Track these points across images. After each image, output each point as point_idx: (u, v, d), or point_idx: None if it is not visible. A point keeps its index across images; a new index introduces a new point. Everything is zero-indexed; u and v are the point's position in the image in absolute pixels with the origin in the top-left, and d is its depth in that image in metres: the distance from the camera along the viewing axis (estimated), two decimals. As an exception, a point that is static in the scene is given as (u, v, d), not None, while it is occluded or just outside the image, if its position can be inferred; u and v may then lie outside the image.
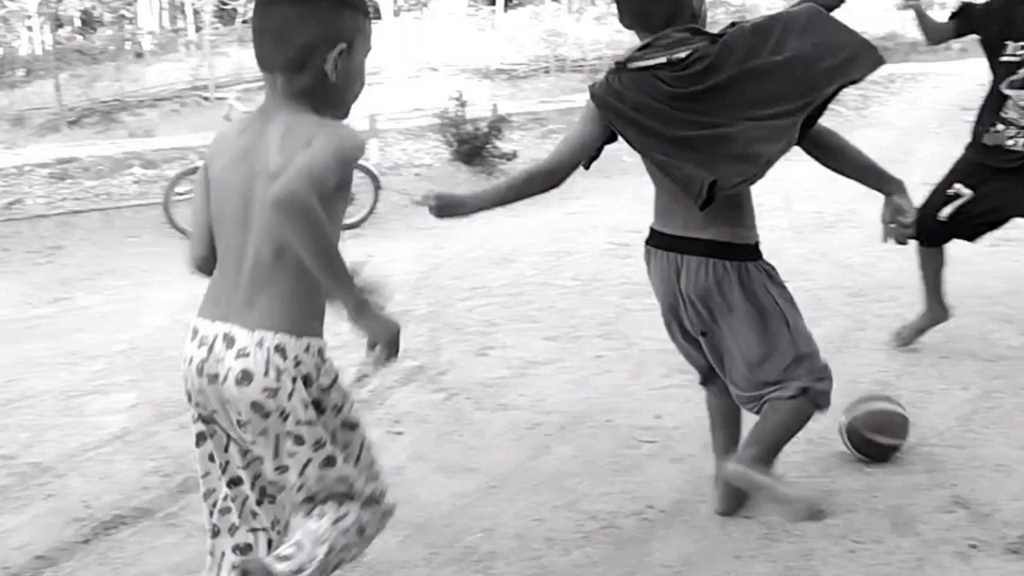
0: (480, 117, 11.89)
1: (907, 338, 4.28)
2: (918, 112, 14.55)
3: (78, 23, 26.87)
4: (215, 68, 17.81)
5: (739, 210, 2.66)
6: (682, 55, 2.55)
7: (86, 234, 8.71)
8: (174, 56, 20.71)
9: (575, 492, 3.10)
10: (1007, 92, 3.57)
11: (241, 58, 18.61)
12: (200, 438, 2.06)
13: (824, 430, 3.44)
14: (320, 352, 2.01)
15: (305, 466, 1.96)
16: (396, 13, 29.57)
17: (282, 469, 1.97)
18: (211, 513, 2.11)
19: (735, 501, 2.89)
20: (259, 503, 2.08)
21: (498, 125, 11.69)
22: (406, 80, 19.91)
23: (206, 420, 2.03)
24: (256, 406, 1.90)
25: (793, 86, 2.45)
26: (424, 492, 3.16)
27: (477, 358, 4.64)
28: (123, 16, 27.18)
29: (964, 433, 3.35)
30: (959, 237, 4.01)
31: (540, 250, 7.44)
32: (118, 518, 3.13)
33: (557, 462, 3.35)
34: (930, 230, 3.86)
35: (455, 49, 21.30)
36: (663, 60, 2.57)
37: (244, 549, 2.09)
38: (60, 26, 25.21)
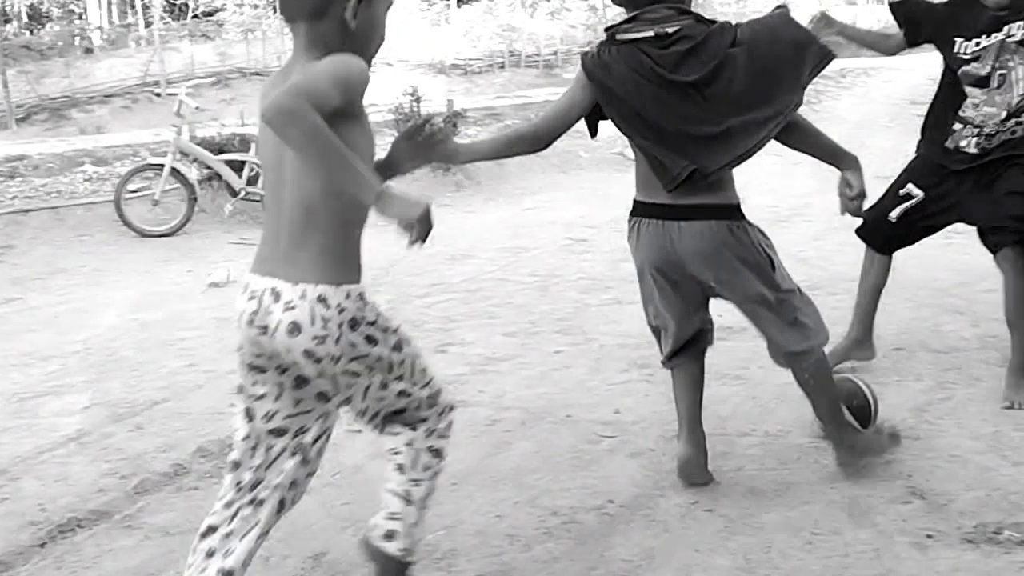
0: (435, 113, 11.86)
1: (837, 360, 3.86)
2: (869, 106, 14.72)
3: (25, 18, 26.44)
4: (166, 64, 17.60)
5: (726, 176, 2.83)
6: (669, 30, 2.71)
7: (37, 233, 8.57)
8: (124, 52, 20.43)
9: (535, 488, 3.10)
10: (965, 90, 3.56)
11: (193, 53, 18.44)
12: (241, 388, 2.19)
13: (781, 423, 3.49)
14: (360, 296, 2.12)
15: (366, 392, 2.17)
16: (350, 8, 29.30)
17: (345, 401, 2.17)
18: (237, 465, 2.20)
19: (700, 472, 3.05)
20: (293, 454, 2.18)
21: (454, 120, 11.66)
22: (361, 75, 19.80)
23: (258, 369, 2.13)
24: (308, 353, 2.02)
25: (770, 90, 2.67)
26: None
27: (436, 355, 4.62)
28: (71, 11, 26.78)
29: (919, 424, 3.39)
30: (904, 245, 3.90)
31: (498, 246, 7.44)
32: (74, 521, 3.08)
33: (517, 458, 3.36)
34: (878, 230, 3.83)
35: (409, 44, 21.22)
36: (651, 34, 2.73)
37: (257, 504, 2.16)
38: (8, 21, 24.79)
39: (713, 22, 2.79)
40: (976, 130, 3.52)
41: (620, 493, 3.02)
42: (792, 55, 2.70)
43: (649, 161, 2.80)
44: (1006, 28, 3.45)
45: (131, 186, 8.85)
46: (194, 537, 2.16)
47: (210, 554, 2.12)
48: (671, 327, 3.00)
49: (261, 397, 2.15)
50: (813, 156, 2.90)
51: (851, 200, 2.92)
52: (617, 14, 2.82)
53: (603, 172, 11.41)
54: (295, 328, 2.01)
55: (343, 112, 1.97)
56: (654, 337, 3.14)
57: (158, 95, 16.82)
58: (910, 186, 3.73)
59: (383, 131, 12.15)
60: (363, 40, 2.16)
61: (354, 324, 2.08)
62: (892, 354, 4.16)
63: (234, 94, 17.63)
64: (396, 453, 2.36)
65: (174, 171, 8.82)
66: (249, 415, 2.17)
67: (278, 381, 2.13)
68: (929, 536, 2.62)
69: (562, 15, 24.13)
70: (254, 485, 2.17)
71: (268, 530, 2.17)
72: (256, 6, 26.90)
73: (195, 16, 24.95)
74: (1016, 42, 3.43)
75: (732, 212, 2.84)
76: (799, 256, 6.21)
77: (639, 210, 2.92)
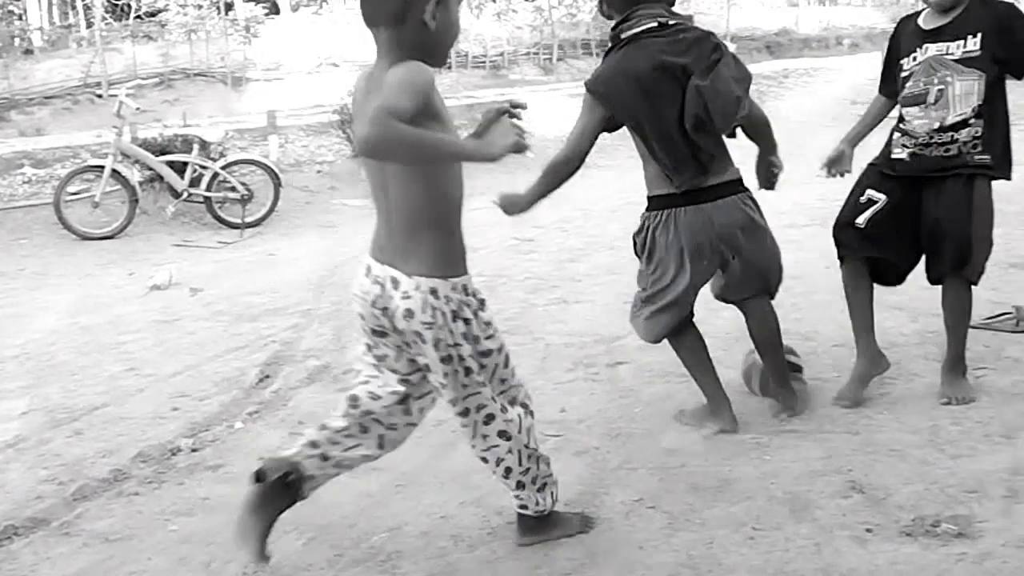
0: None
1: (853, 395, 3.64)
2: (811, 107, 14.92)
3: (-38, 18, 25.89)
4: (108, 65, 17.32)
5: (727, 154, 3.33)
6: (670, 21, 3.19)
7: (-26, 236, 8.41)
8: (65, 53, 20.04)
9: (480, 489, 3.09)
10: (903, 110, 3.55)
11: (135, 53, 18.19)
12: (368, 348, 2.57)
13: (724, 419, 3.51)
14: (464, 288, 2.45)
15: (455, 380, 2.46)
16: (295, 8, 29.19)
17: (442, 385, 2.49)
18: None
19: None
20: (400, 402, 2.59)
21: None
22: (306, 76, 19.66)
23: (380, 334, 2.51)
24: (417, 334, 2.40)
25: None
26: (328, 493, 3.10)
27: (382, 356, 4.61)
28: (11, 12, 26.26)
29: (859, 419, 3.44)
30: (882, 251, 3.70)
31: (444, 246, 7.42)
32: (11, 528, 3.03)
33: (463, 459, 3.34)
34: (849, 239, 3.69)
35: (356, 44, 21.10)
36: (654, 24, 3.18)
37: (363, 430, 2.61)
38: (-57, 21, 24.27)
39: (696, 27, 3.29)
40: (911, 139, 3.51)
41: (565, 492, 3.01)
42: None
43: (659, 157, 3.21)
44: (937, 47, 3.44)
45: (71, 188, 8.72)
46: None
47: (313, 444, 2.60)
48: (684, 304, 3.36)
49: (384, 357, 2.55)
50: (753, 139, 3.42)
51: (773, 177, 3.45)
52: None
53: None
54: (409, 314, 2.37)
55: (420, 113, 2.18)
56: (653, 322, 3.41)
57: (100, 96, 16.54)
58: (870, 192, 3.64)
59: (328, 131, 12.10)
60: (441, 38, 2.38)
61: (455, 316, 2.41)
62: (832, 351, 4.21)
63: (177, 95, 17.39)
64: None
65: (115, 173, 8.70)
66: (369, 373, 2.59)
67: (397, 344, 2.50)
68: (868, 530, 2.66)
69: (509, 16, 24.11)
70: (365, 413, 2.58)
71: (359, 459, 2.64)
72: (200, 7, 26.58)
73: (137, 17, 24.56)
74: (955, 60, 3.41)
75: (743, 184, 3.37)
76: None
77: (664, 202, 3.29)
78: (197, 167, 9.19)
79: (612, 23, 3.29)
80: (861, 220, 3.65)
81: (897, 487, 2.88)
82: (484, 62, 22.13)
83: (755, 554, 2.59)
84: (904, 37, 3.60)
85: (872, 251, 3.68)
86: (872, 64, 18.19)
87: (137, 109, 9.36)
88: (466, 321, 2.44)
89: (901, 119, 3.57)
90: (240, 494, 2.58)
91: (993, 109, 3.42)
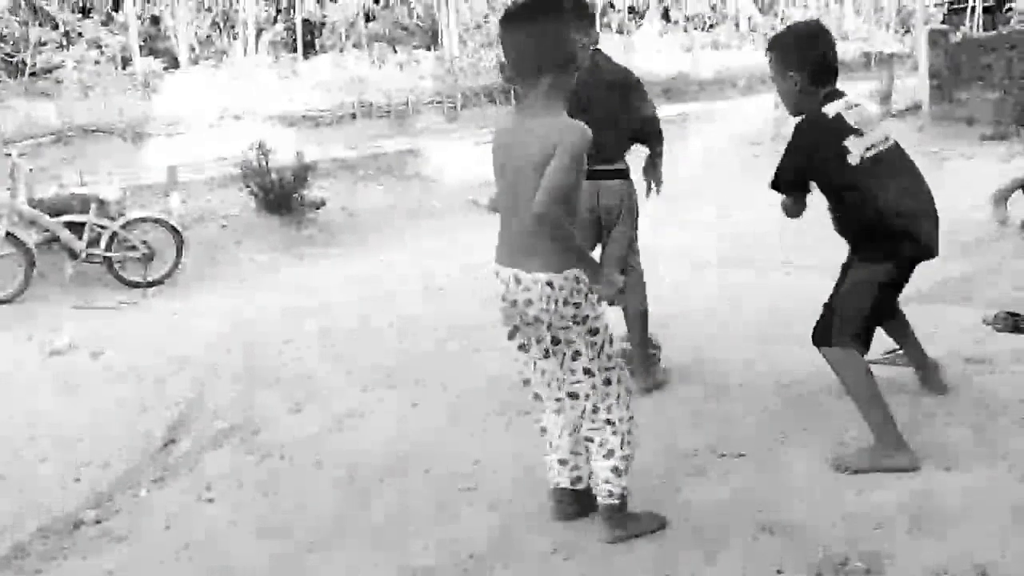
0: (285, 166, 11.71)
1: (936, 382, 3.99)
2: (711, 149, 15.25)
3: None
4: (1, 123, 16.92)
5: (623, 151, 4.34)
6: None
7: None
8: (-44, 110, 19.56)
9: (395, 545, 3.06)
10: None
11: (31, 111, 17.80)
12: (511, 335, 3.01)
13: (640, 461, 3.52)
14: (576, 278, 2.83)
15: (563, 359, 2.92)
16: (194, 61, 28.90)
17: (558, 363, 2.93)
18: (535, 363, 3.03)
19: None
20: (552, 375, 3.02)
21: (303, 173, 11.53)
22: (208, 129, 19.46)
23: (516, 327, 2.96)
24: (536, 319, 2.86)
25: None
26: (240, 559, 3.05)
27: (292, 414, 4.54)
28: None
29: (766, 457, 3.49)
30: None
31: (354, 297, 7.37)
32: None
33: (377, 516, 3.31)
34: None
35: (257, 96, 20.98)
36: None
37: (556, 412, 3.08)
38: None
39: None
40: None
41: (480, 544, 3.01)
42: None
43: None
44: None
45: (-35, 248, 8.45)
46: None
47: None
48: None
49: (523, 346, 3.01)
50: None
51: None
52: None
53: (457, 219, 11.47)
54: (528, 303, 2.83)
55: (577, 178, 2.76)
56: None
57: (-8, 155, 16.13)
58: None
59: (228, 186, 11.96)
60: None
61: (566, 301, 2.82)
62: (740, 388, 4.28)
63: (75, 152, 17.05)
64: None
65: (9, 236, 8.45)
66: (523, 348, 3.02)
67: (527, 331, 2.95)
68: (779, 572, 2.69)
69: (411, 66, 24.24)
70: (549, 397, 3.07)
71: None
72: (97, 62, 26.18)
73: (32, 74, 24.09)
74: None
75: (626, 173, 4.38)
76: (653, 295, 6.36)
77: None
78: (96, 227, 8.98)
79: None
80: None
81: (806, 524, 2.93)
82: (388, 111, 22.18)
83: (671, 598, 2.60)
84: None
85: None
86: (765, 105, 18.73)
87: (30, 170, 9.14)
88: (576, 305, 2.84)
89: None
90: (146, 565, 2.51)
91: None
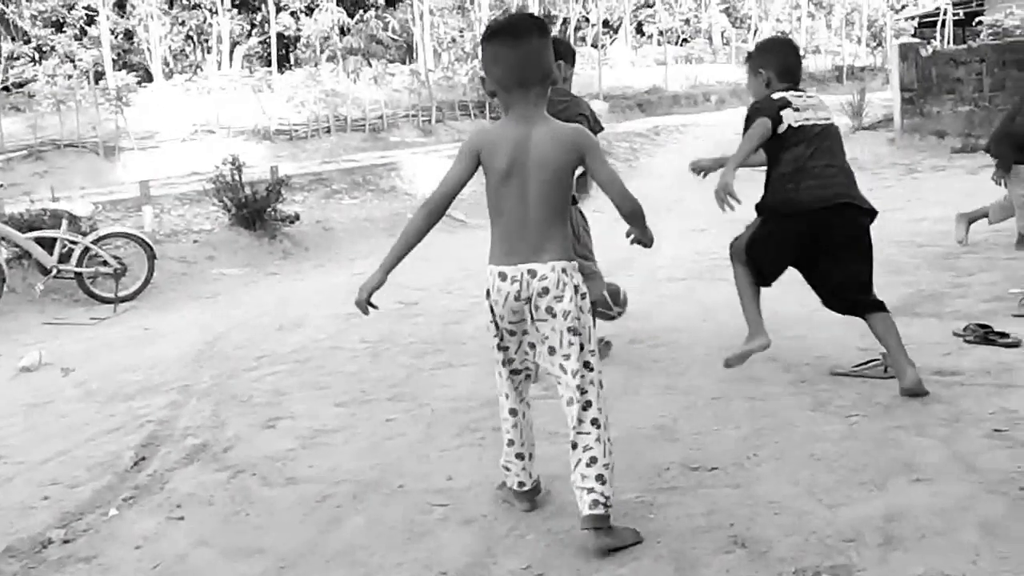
0: (259, 180, 11.69)
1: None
2: (684, 161, 15.33)
3: None
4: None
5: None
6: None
7: None
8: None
9: (367, 565, 3.04)
10: None
11: (2, 126, 17.69)
12: (500, 344, 3.18)
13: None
14: (578, 268, 3.09)
15: (579, 352, 3.01)
16: (168, 75, 28.82)
17: (565, 356, 3.02)
18: (513, 375, 3.25)
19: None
20: (558, 382, 3.10)
21: (277, 188, 11.51)
22: (181, 144, 19.39)
23: (510, 332, 3.13)
24: (553, 311, 3.01)
25: None
26: (209, 579, 3.02)
27: (264, 431, 4.51)
28: None
29: (739, 472, 3.50)
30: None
31: (328, 313, 7.35)
32: None
33: (348, 535, 3.29)
34: None
35: (231, 111, 20.92)
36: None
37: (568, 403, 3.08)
38: None
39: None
40: None
41: (453, 563, 3.00)
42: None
43: None
44: None
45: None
46: None
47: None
48: None
49: (506, 348, 3.17)
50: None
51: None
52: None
53: (433, 235, 11.44)
54: (545, 291, 3.00)
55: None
56: None
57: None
58: None
59: (201, 201, 11.91)
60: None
61: (576, 289, 3.02)
62: (711, 403, 4.29)
63: (47, 167, 16.96)
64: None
65: (-21, 251, 8.39)
66: (512, 371, 3.22)
67: (519, 340, 3.15)
68: (751, 587, 2.69)
69: (386, 80, 24.25)
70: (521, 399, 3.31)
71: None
72: (69, 76, 26.04)
73: (4, 88, 23.95)
74: None
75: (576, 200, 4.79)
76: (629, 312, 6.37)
77: None
78: (67, 242, 8.93)
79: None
80: None
81: (777, 539, 2.93)
82: (363, 125, 22.17)
83: (643, 616, 2.59)
84: None
85: None
86: (736, 118, 18.86)
87: (1, 185, 9.08)
88: (583, 296, 3.04)
89: None
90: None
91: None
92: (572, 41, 37.30)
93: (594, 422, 2.99)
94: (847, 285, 4.40)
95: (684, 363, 4.98)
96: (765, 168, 4.55)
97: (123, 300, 8.99)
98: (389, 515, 3.42)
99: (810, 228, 4.35)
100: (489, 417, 4.41)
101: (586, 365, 3.01)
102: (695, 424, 4.02)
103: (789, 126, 4.35)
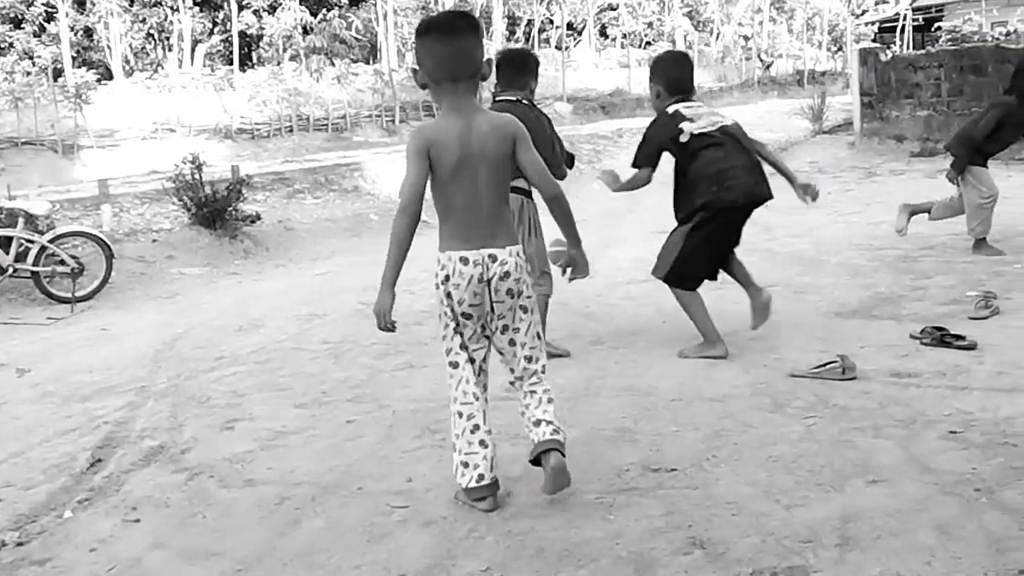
0: (220, 179, 11.59)
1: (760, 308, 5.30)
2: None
3: None
4: (-74, 134, 16.54)
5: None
6: (524, 101, 5.18)
7: None
8: None
9: (326, 568, 3.02)
10: None
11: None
12: (456, 328, 3.34)
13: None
14: (541, 265, 3.85)
15: (532, 328, 3.36)
16: (128, 73, 28.52)
17: (516, 330, 3.33)
18: (472, 360, 3.38)
19: None
20: (502, 357, 3.43)
21: (238, 187, 11.42)
22: (141, 142, 19.19)
23: (467, 316, 3.30)
24: (511, 291, 3.28)
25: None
26: (166, 582, 2.99)
27: (222, 432, 4.47)
28: None
29: (698, 473, 3.52)
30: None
31: (289, 314, 7.31)
32: None
33: (307, 537, 3.27)
34: None
35: (193, 109, 20.74)
36: (516, 98, 5.16)
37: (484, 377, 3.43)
38: None
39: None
40: None
41: (412, 565, 2.98)
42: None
43: None
44: None
45: None
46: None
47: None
48: None
49: (462, 333, 3.33)
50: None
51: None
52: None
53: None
54: (506, 275, 3.25)
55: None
56: None
57: None
58: None
59: (162, 200, 11.80)
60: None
61: (526, 270, 3.34)
62: (671, 405, 4.31)
63: (4, 164, 16.72)
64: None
65: (-66, 250, 8.26)
66: (471, 357, 3.36)
67: (480, 316, 3.31)
68: (710, 588, 2.70)
69: (349, 80, 24.14)
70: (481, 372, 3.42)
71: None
72: (28, 73, 25.70)
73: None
74: None
75: (527, 193, 5.04)
76: (584, 312, 6.39)
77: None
78: (23, 241, 8.81)
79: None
80: None
81: (735, 540, 2.95)
82: (326, 125, 22.06)
83: (602, 617, 2.59)
84: None
85: None
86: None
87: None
88: (529, 272, 3.36)
89: None
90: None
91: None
92: (536, 43, 37.36)
93: (544, 371, 3.39)
94: (731, 249, 5.28)
95: (644, 364, 5.00)
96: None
97: (80, 300, 8.88)
98: (348, 517, 3.41)
99: (733, 218, 5.10)
100: (450, 419, 4.40)
101: (537, 336, 3.37)
102: (655, 425, 4.04)
103: (691, 134, 5.00)
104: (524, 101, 5.16)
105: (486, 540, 3.13)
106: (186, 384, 5.38)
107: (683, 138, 4.98)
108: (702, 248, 5.05)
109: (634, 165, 5.23)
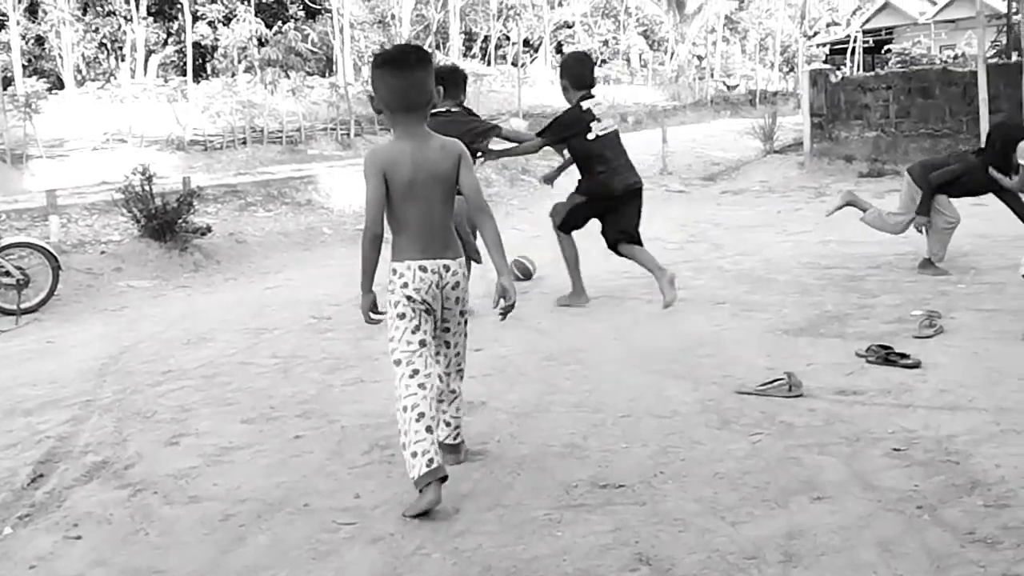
0: (171, 191, 11.47)
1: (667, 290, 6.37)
2: (602, 180, 15.46)
3: None
4: None
5: None
6: (455, 109, 6.43)
7: None
8: None
9: (270, 585, 2.99)
10: None
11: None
12: (417, 325, 3.58)
13: (517, 497, 3.54)
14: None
15: (463, 333, 3.79)
16: (80, 83, 28.18)
17: (457, 333, 3.75)
18: (424, 344, 3.60)
19: None
20: (437, 354, 3.74)
21: (189, 199, 11.30)
22: (92, 153, 18.95)
23: (427, 312, 3.59)
24: (458, 299, 3.66)
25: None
26: (106, 601, 2.94)
27: (167, 448, 4.41)
28: None
29: (646, 490, 3.53)
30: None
31: (238, 327, 7.24)
32: None
33: (251, 555, 3.23)
34: None
35: (145, 120, 20.53)
36: (451, 108, 6.41)
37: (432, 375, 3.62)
38: None
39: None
40: None
41: (357, 583, 2.96)
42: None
43: None
44: None
45: None
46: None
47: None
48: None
49: (418, 327, 3.57)
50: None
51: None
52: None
53: (347, 248, 11.39)
54: (458, 285, 3.63)
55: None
56: None
57: None
58: None
59: (111, 211, 11.65)
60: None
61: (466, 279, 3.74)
62: (620, 421, 4.33)
63: (-44, 176, 16.45)
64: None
65: None
66: (423, 342, 3.57)
67: (431, 318, 3.62)
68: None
69: (304, 92, 24.04)
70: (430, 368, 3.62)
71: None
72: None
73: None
74: None
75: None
76: (537, 328, 6.40)
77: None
78: (-21, 257, 8.66)
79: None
80: None
81: (681, 557, 2.96)
82: (280, 137, 21.94)
83: (547, 635, 2.58)
84: None
85: None
86: (653, 140, 19.10)
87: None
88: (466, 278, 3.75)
89: None
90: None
91: None
92: (492, 59, 37.44)
93: (461, 374, 3.84)
94: (626, 230, 6.72)
95: (594, 380, 5.01)
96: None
97: (25, 312, 8.74)
98: (294, 534, 3.38)
99: (612, 200, 6.68)
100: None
101: (464, 335, 3.81)
102: (604, 441, 4.05)
103: (596, 135, 6.58)
104: (456, 110, 6.40)
105: (432, 557, 3.12)
106: (132, 398, 5.31)
107: (590, 136, 6.58)
108: (583, 211, 6.85)
109: (539, 135, 6.82)
